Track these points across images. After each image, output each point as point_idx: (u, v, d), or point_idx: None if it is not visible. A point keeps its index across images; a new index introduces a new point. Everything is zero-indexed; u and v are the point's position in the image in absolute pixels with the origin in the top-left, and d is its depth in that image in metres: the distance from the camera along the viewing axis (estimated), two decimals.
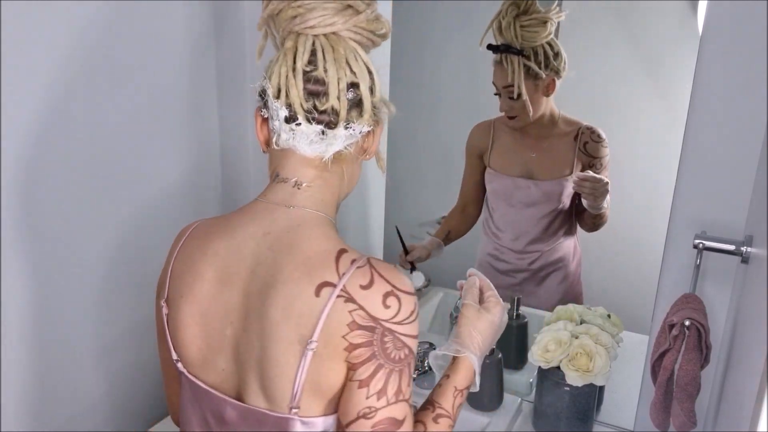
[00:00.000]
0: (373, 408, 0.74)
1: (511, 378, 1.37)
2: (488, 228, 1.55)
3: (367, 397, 0.74)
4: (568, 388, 1.19)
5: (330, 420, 0.79)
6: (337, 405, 0.78)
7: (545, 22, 1.31)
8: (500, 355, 1.29)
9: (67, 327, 1.12)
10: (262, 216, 0.82)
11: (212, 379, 0.84)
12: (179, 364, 0.86)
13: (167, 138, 1.23)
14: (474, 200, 1.55)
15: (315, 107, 0.80)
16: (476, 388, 0.89)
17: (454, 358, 0.88)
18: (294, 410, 0.77)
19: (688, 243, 1.03)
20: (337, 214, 0.89)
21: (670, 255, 1.13)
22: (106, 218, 1.14)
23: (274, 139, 0.83)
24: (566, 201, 1.44)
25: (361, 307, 0.74)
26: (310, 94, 0.80)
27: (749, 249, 0.95)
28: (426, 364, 1.38)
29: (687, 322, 0.94)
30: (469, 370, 0.88)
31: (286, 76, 0.79)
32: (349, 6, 0.80)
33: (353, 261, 0.77)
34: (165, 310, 0.87)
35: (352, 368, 0.75)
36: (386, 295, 0.75)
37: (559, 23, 1.35)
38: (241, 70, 1.29)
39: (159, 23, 1.16)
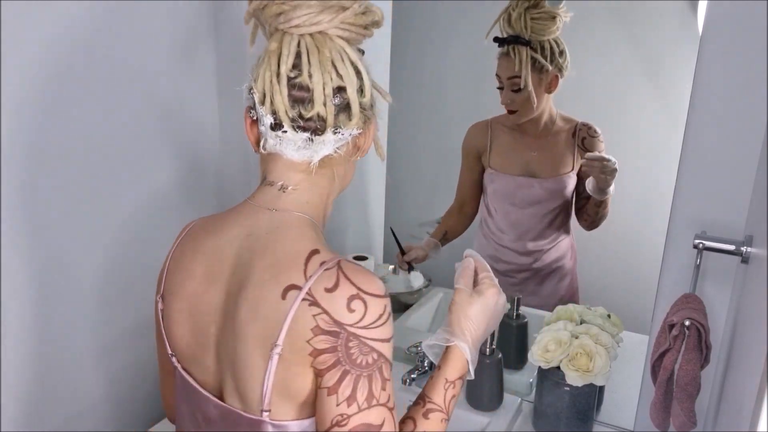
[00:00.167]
0: (345, 415, 0.72)
1: (511, 378, 1.37)
2: (487, 229, 1.55)
3: (338, 405, 0.72)
4: (568, 388, 1.19)
5: (306, 423, 0.77)
6: (312, 409, 0.77)
7: (554, 17, 1.33)
8: (500, 355, 1.29)
9: (67, 327, 1.12)
10: (246, 217, 0.82)
11: (200, 377, 0.85)
12: (174, 359, 0.87)
13: (167, 137, 1.23)
14: (471, 200, 1.56)
15: (300, 115, 0.78)
16: (471, 377, 0.86)
17: (446, 348, 0.86)
18: (265, 413, 0.76)
19: (688, 243, 1.03)
20: (328, 213, 0.87)
21: (670, 255, 1.13)
22: (105, 218, 1.14)
23: (261, 143, 0.82)
24: (568, 197, 1.44)
25: (325, 311, 0.72)
26: (295, 101, 0.78)
27: (749, 249, 0.95)
28: (426, 363, 1.38)
29: (687, 322, 0.94)
30: (459, 360, 0.85)
31: (270, 82, 0.77)
32: (335, 2, 0.77)
33: (322, 263, 0.75)
34: (160, 306, 0.88)
35: (319, 374, 0.73)
36: (351, 299, 0.73)
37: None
38: (241, 68, 1.29)
39: (158, 22, 1.16)
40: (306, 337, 0.72)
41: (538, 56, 1.35)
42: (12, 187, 0.98)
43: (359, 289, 0.74)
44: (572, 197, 1.46)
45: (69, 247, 1.09)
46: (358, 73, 0.80)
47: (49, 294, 1.07)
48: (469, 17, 1.52)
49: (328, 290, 0.73)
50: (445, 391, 0.83)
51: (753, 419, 0.61)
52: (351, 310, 0.72)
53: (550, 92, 1.40)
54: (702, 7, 1.19)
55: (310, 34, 0.78)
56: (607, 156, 1.35)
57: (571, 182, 1.43)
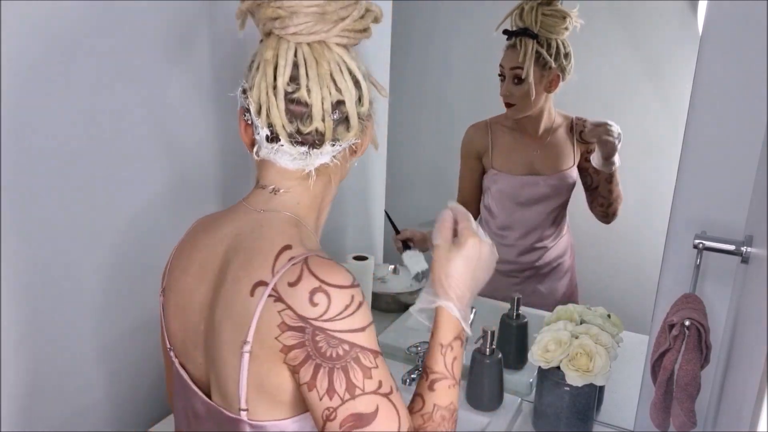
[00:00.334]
0: (331, 408, 0.71)
1: (511, 378, 1.37)
2: (488, 230, 1.55)
3: (320, 399, 0.71)
4: (568, 388, 1.19)
5: (285, 424, 0.77)
6: (295, 410, 0.76)
7: (564, 17, 1.35)
8: (500, 355, 1.29)
9: (67, 327, 1.12)
10: (238, 217, 0.82)
11: (193, 372, 0.86)
12: (171, 353, 0.88)
13: (167, 137, 1.23)
14: (473, 201, 1.56)
15: (299, 130, 0.77)
16: (469, 333, 0.82)
17: (436, 311, 0.82)
18: (242, 412, 0.76)
19: (688, 243, 1.03)
20: (324, 214, 0.87)
21: (670, 255, 1.13)
22: (106, 218, 1.14)
23: (255, 149, 0.81)
24: (570, 193, 1.46)
25: (289, 307, 0.71)
26: (293, 116, 0.76)
27: (749, 249, 0.95)
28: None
29: (687, 322, 0.94)
30: (449, 321, 0.81)
31: (267, 94, 0.76)
32: (334, 10, 0.75)
33: (291, 258, 0.73)
34: (161, 300, 0.89)
35: (294, 371, 0.72)
36: (313, 292, 0.71)
37: None
38: (240, 67, 1.29)
39: (158, 22, 1.16)
40: (274, 334, 0.71)
41: (543, 51, 1.36)
42: (12, 186, 0.98)
43: (322, 281, 0.72)
44: (570, 194, 1.47)
45: (69, 247, 1.09)
46: (356, 83, 0.79)
47: (49, 294, 1.07)
48: (470, 16, 1.53)
49: (291, 284, 0.71)
50: (443, 356, 0.80)
51: (753, 419, 0.61)
52: (314, 304, 0.70)
53: (549, 91, 1.41)
54: (702, 7, 1.19)
55: (308, 43, 0.76)
56: (608, 121, 1.37)
57: (574, 177, 1.45)
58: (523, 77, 1.38)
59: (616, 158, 1.38)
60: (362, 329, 0.72)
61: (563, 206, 1.48)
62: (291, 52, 0.75)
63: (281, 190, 0.81)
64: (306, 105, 0.76)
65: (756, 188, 0.98)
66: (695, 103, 1.04)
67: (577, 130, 1.43)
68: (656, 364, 1.01)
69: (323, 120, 0.77)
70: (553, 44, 1.37)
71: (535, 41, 1.36)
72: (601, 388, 1.31)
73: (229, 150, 1.35)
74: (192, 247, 0.86)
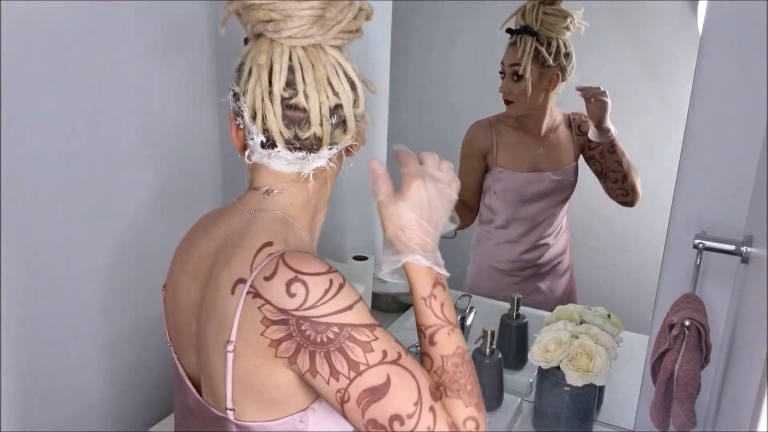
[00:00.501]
0: (342, 390, 0.69)
1: (511, 378, 1.37)
2: (491, 226, 1.55)
3: (327, 383, 0.70)
4: (568, 388, 1.19)
5: (271, 425, 0.76)
6: (283, 410, 0.76)
7: (566, 17, 1.36)
8: (500, 355, 1.29)
9: (67, 327, 1.12)
10: (232, 217, 0.82)
11: (187, 369, 0.86)
12: (171, 348, 0.88)
13: (167, 137, 1.23)
14: (474, 199, 1.56)
15: (297, 136, 0.76)
16: (446, 274, 0.79)
17: (404, 268, 0.78)
18: (229, 411, 0.76)
19: (688, 243, 1.03)
20: (320, 214, 0.86)
21: (670, 255, 1.13)
22: (106, 218, 1.14)
23: (247, 153, 0.81)
24: (572, 189, 1.47)
25: (267, 301, 0.70)
26: (291, 122, 0.75)
27: (749, 249, 0.95)
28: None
29: (687, 322, 0.94)
30: (420, 272, 0.77)
31: (262, 100, 0.75)
32: (328, 13, 0.73)
33: (269, 254, 0.72)
34: (162, 294, 0.89)
35: (291, 362, 0.71)
36: (289, 283, 0.70)
37: None
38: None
39: (156, 21, 1.16)
40: (258, 331, 0.71)
41: (543, 49, 1.37)
42: (13, 186, 0.98)
43: (297, 271, 0.70)
44: (573, 190, 1.48)
45: (69, 247, 1.09)
46: (352, 85, 0.78)
47: (49, 294, 1.07)
48: (471, 15, 1.53)
49: (267, 279, 0.71)
50: (429, 308, 0.77)
51: (753, 419, 0.61)
52: (291, 295, 0.69)
53: (549, 90, 1.42)
54: (702, 7, 1.19)
55: (303, 47, 0.75)
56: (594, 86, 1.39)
57: (576, 172, 1.46)
58: (520, 73, 1.39)
59: (611, 126, 1.39)
60: (349, 307, 0.70)
61: (565, 202, 1.49)
62: (286, 56, 0.74)
63: (275, 191, 0.80)
64: (303, 110, 0.75)
65: (756, 188, 0.98)
66: (695, 103, 1.04)
67: (575, 124, 1.45)
68: (656, 364, 1.01)
69: (321, 125, 0.76)
70: (554, 43, 1.38)
71: (534, 39, 1.37)
72: (601, 388, 1.31)
73: (229, 149, 1.35)
74: (190, 244, 0.86)
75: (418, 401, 0.70)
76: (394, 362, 0.70)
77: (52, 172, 1.04)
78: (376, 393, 0.69)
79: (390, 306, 1.66)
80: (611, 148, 1.40)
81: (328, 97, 0.76)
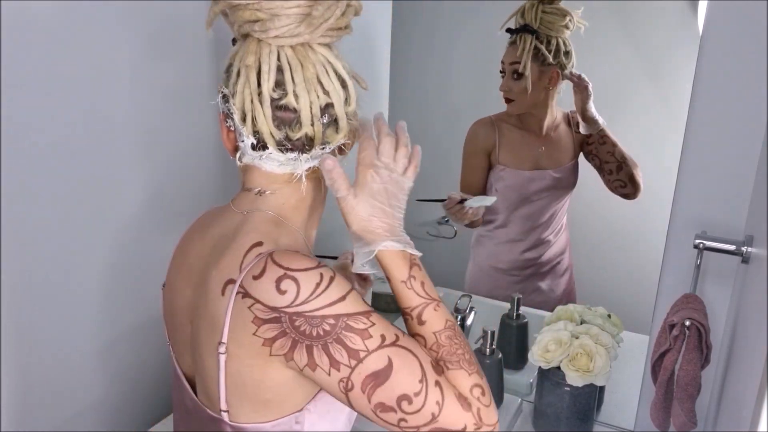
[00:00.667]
0: (344, 379, 0.69)
1: (511, 378, 1.37)
2: (491, 225, 1.55)
3: (329, 374, 0.69)
4: (568, 389, 1.19)
5: (266, 427, 0.76)
6: (277, 411, 0.75)
7: (565, 15, 1.37)
8: (500, 356, 1.29)
9: (67, 327, 1.12)
10: (224, 219, 0.82)
11: (184, 369, 0.86)
12: (170, 347, 0.88)
13: (167, 136, 1.23)
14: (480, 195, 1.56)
15: (288, 137, 0.76)
16: (419, 254, 0.78)
17: (377, 258, 0.78)
18: (223, 413, 0.76)
19: (688, 243, 1.03)
20: (317, 214, 0.86)
21: (670, 255, 1.13)
22: (106, 218, 1.14)
23: (237, 155, 0.80)
24: (573, 186, 1.48)
25: (257, 300, 0.69)
26: (281, 123, 0.75)
27: (749, 249, 0.95)
28: None
29: (687, 322, 0.94)
30: (396, 257, 0.77)
31: (252, 102, 0.74)
32: (315, 10, 0.72)
33: (258, 254, 0.72)
34: (162, 293, 0.89)
35: (287, 359, 0.70)
36: (279, 280, 0.69)
37: None
38: None
39: (154, 20, 1.16)
40: (250, 331, 0.70)
41: (542, 47, 1.38)
42: (12, 186, 0.98)
43: (286, 268, 0.70)
44: (573, 188, 1.49)
45: (69, 247, 1.09)
46: (343, 83, 0.77)
47: (49, 294, 1.07)
48: (471, 15, 1.53)
49: (255, 278, 0.70)
50: (411, 289, 0.76)
51: (753, 419, 0.61)
52: (282, 292, 0.69)
53: (549, 88, 1.42)
54: (702, 7, 1.19)
55: (291, 46, 0.74)
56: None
57: (577, 170, 1.47)
58: (520, 71, 1.39)
59: (597, 115, 1.39)
60: (342, 298, 0.70)
61: (566, 200, 1.50)
62: (274, 56, 0.73)
63: (267, 192, 0.80)
64: (294, 111, 0.75)
65: (756, 188, 0.98)
66: (695, 103, 1.04)
67: (574, 122, 1.46)
68: (657, 364, 1.01)
69: (312, 125, 0.75)
70: (553, 42, 1.38)
71: (534, 37, 1.38)
72: (602, 389, 1.31)
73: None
74: (187, 244, 0.86)
75: (423, 378, 0.70)
76: (393, 344, 0.70)
77: (50, 172, 1.04)
78: (380, 377, 0.69)
79: (390, 306, 1.65)
80: (601, 139, 1.41)
81: (318, 97, 0.75)
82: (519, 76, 1.41)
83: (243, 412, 0.76)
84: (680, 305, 0.99)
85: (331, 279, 0.71)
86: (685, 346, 0.95)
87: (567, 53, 1.40)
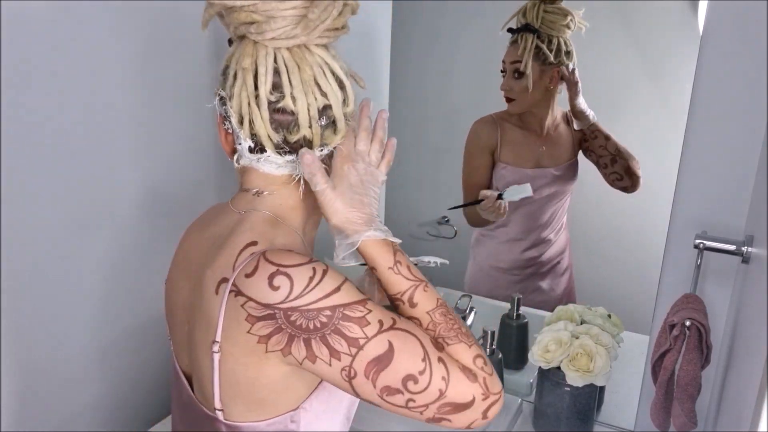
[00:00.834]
0: (346, 367, 0.69)
1: (511, 378, 1.37)
2: (492, 224, 1.55)
3: (330, 365, 0.69)
4: (568, 389, 1.19)
5: (260, 426, 0.76)
6: (272, 410, 0.75)
7: (566, 15, 1.38)
8: (500, 356, 1.29)
9: (67, 327, 1.12)
10: (223, 218, 0.82)
11: (183, 366, 0.86)
12: (171, 343, 0.88)
13: (167, 136, 1.23)
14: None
15: (285, 140, 0.75)
16: (398, 240, 0.78)
17: (360, 249, 0.77)
18: (217, 411, 0.76)
19: (688, 243, 1.03)
20: (314, 213, 0.85)
21: (670, 255, 1.13)
22: (106, 218, 1.14)
23: (236, 157, 0.80)
24: (573, 185, 1.48)
25: (250, 298, 0.69)
26: (279, 126, 0.75)
27: (750, 249, 0.95)
28: None
29: (688, 322, 0.94)
30: (379, 246, 0.76)
31: (249, 105, 0.74)
32: (311, 12, 0.72)
33: (252, 253, 0.72)
34: (164, 289, 0.89)
35: (284, 354, 0.70)
36: (272, 276, 0.69)
37: None
38: None
39: (153, 20, 1.16)
40: (244, 329, 0.70)
41: (543, 47, 1.39)
42: (12, 185, 0.98)
43: (278, 265, 0.70)
44: (573, 187, 1.49)
45: (68, 247, 1.09)
46: (341, 84, 0.77)
47: (49, 294, 1.07)
48: (471, 15, 1.53)
49: (248, 276, 0.70)
50: (398, 274, 0.76)
51: (753, 419, 0.61)
52: (275, 288, 0.68)
53: (550, 88, 1.42)
54: (702, 7, 1.19)
55: (288, 48, 0.73)
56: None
57: (577, 168, 1.47)
58: (521, 70, 1.40)
59: (586, 108, 1.40)
60: (336, 289, 0.70)
61: (566, 198, 1.50)
62: (270, 59, 0.73)
63: (265, 192, 0.80)
64: (292, 113, 0.74)
65: (756, 188, 0.98)
66: (695, 103, 1.04)
67: (572, 120, 1.46)
68: (657, 365, 1.01)
69: (311, 127, 0.75)
70: (554, 41, 1.39)
71: (535, 36, 1.38)
72: (602, 389, 1.31)
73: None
74: (188, 241, 0.86)
75: (425, 356, 0.70)
76: (392, 328, 0.70)
77: (50, 172, 1.04)
78: (382, 361, 0.69)
79: (390, 306, 1.65)
80: (593, 134, 1.41)
81: (316, 99, 0.75)
82: (520, 75, 1.42)
83: (238, 411, 0.76)
84: (680, 305, 0.99)
85: (324, 272, 0.71)
86: (685, 346, 0.95)
87: (568, 53, 1.40)
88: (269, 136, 0.75)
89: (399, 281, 0.76)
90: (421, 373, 0.69)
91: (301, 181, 0.79)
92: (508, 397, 1.33)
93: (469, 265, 1.60)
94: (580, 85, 1.40)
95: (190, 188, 1.31)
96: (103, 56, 1.08)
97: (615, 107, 1.40)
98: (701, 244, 1.00)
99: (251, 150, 0.77)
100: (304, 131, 0.75)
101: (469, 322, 1.39)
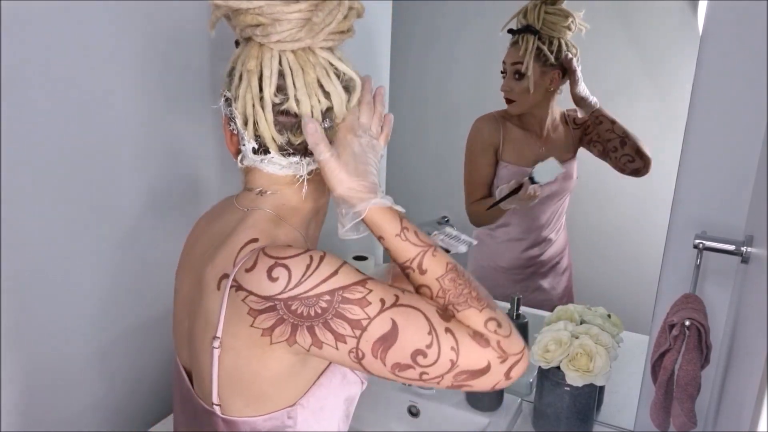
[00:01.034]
0: (353, 349, 0.69)
1: None
2: (491, 226, 1.55)
3: (336, 348, 0.69)
4: (568, 388, 1.19)
5: (257, 422, 0.76)
6: (270, 405, 0.76)
7: (567, 17, 1.38)
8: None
9: (67, 327, 1.12)
10: (227, 215, 0.82)
11: (182, 362, 0.86)
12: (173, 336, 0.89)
13: (168, 136, 1.23)
14: (487, 196, 1.56)
15: (289, 141, 0.76)
16: (402, 209, 0.77)
17: (365, 219, 0.76)
18: (215, 406, 0.77)
19: (688, 243, 1.03)
20: (321, 214, 0.86)
21: (670, 255, 1.13)
22: (106, 218, 1.14)
23: (239, 158, 0.81)
24: (573, 184, 1.48)
25: (250, 292, 0.70)
26: (283, 128, 0.76)
27: (749, 249, 0.95)
28: None
29: (687, 322, 0.94)
30: (385, 213, 0.75)
31: (253, 106, 0.75)
32: (316, 16, 0.73)
33: (253, 250, 0.73)
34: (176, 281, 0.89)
35: (290, 344, 0.70)
36: (270, 269, 0.69)
37: None
38: None
39: (154, 21, 1.16)
40: (247, 323, 0.70)
41: (545, 48, 1.39)
42: (12, 185, 0.98)
43: (276, 257, 0.70)
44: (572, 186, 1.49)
45: (69, 248, 1.09)
46: (347, 86, 0.78)
47: (49, 294, 1.07)
48: (471, 15, 1.53)
49: (248, 270, 0.71)
50: (407, 240, 0.75)
51: (753, 419, 0.61)
52: (274, 279, 0.69)
53: (550, 89, 1.42)
54: (702, 7, 1.19)
55: (292, 51, 0.74)
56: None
57: (576, 168, 1.47)
58: (522, 71, 1.40)
59: (588, 94, 1.40)
60: (334, 273, 0.70)
61: (566, 198, 1.50)
62: (275, 61, 0.74)
63: (268, 192, 0.80)
64: (295, 116, 0.75)
65: (756, 188, 0.98)
66: (695, 103, 1.04)
67: (570, 119, 1.46)
68: (656, 364, 1.01)
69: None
70: (555, 43, 1.39)
71: (536, 37, 1.38)
72: (602, 388, 1.31)
73: (227, 150, 1.35)
74: (195, 234, 0.87)
75: (431, 329, 0.69)
76: (394, 305, 0.69)
77: (50, 172, 1.04)
78: (388, 340, 0.68)
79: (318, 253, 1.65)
80: (597, 119, 1.40)
81: (319, 101, 0.75)
82: (520, 76, 1.42)
83: (236, 407, 0.76)
84: (680, 305, 0.99)
85: (321, 258, 0.71)
86: (684, 346, 0.95)
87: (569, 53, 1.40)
88: (273, 138, 0.76)
89: (406, 248, 0.75)
90: (429, 346, 0.68)
91: (304, 183, 0.80)
92: (508, 396, 1.33)
93: (469, 265, 1.60)
94: (579, 73, 1.40)
95: (191, 188, 1.31)
96: (103, 56, 1.08)
97: (615, 108, 1.40)
98: (701, 244, 1.00)
99: (255, 151, 0.78)
100: None
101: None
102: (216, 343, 0.73)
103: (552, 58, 1.39)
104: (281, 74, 0.74)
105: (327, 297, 0.68)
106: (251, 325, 0.70)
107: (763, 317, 0.67)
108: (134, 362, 1.26)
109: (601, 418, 1.31)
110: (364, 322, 0.68)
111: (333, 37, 0.75)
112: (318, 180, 0.82)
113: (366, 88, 0.82)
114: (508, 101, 1.46)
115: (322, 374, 0.79)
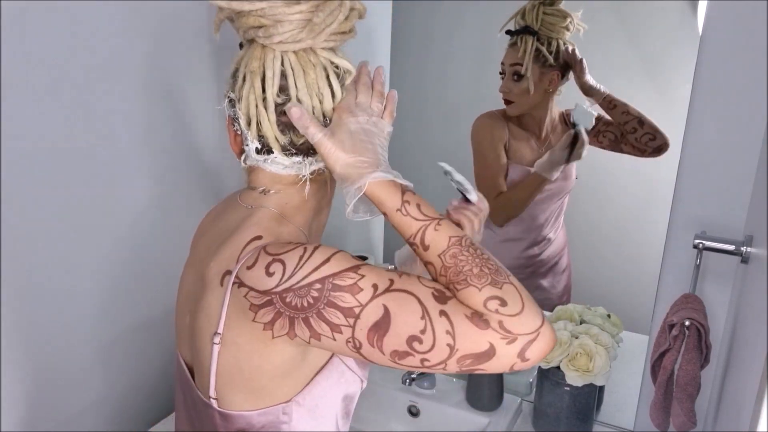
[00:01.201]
0: (349, 339, 0.68)
1: (511, 378, 1.37)
2: (491, 226, 1.55)
3: (334, 339, 0.68)
4: (568, 388, 1.19)
5: (252, 415, 0.76)
6: (267, 399, 0.76)
7: (566, 17, 1.37)
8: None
9: (67, 327, 1.12)
10: (231, 212, 0.83)
11: (182, 355, 0.87)
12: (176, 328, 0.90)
13: (168, 137, 1.23)
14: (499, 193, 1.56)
15: (292, 142, 0.77)
16: (410, 184, 0.76)
17: (366, 195, 0.75)
18: (212, 399, 0.77)
19: (688, 243, 1.03)
20: (324, 214, 0.86)
21: (670, 255, 1.13)
22: (106, 218, 1.14)
23: (243, 158, 0.81)
24: (572, 183, 1.48)
25: (250, 288, 0.70)
26: (286, 128, 0.76)
27: (749, 249, 0.95)
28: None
29: (687, 322, 0.94)
30: (385, 187, 0.73)
31: (256, 107, 0.75)
32: (317, 17, 0.73)
33: (256, 247, 0.73)
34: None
35: (291, 337, 0.70)
36: (268, 265, 0.70)
37: None
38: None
39: (156, 20, 1.16)
40: (249, 318, 0.71)
41: (543, 49, 1.38)
42: (13, 184, 0.98)
43: (274, 254, 0.71)
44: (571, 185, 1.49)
45: (69, 247, 1.09)
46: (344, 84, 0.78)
47: (49, 294, 1.07)
48: (471, 15, 1.53)
49: (249, 267, 0.71)
50: (408, 215, 0.72)
51: (753, 419, 0.61)
52: (270, 274, 0.69)
53: (548, 90, 1.42)
54: (702, 7, 1.19)
55: (294, 51, 0.75)
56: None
57: (575, 167, 1.47)
58: (522, 73, 1.40)
59: (595, 83, 1.39)
60: (326, 260, 0.68)
61: (565, 197, 1.50)
62: (278, 62, 0.74)
63: (271, 191, 0.81)
64: None
65: (756, 188, 0.98)
66: (695, 103, 1.05)
67: (569, 119, 1.46)
68: (656, 364, 1.01)
69: None
70: (554, 44, 1.39)
71: (534, 38, 1.38)
72: (601, 388, 1.31)
73: (229, 150, 1.35)
74: (200, 229, 0.88)
75: (424, 314, 0.66)
76: (388, 290, 0.67)
77: (51, 172, 1.03)
78: (381, 327, 0.66)
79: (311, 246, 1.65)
80: (610, 104, 1.38)
81: (321, 101, 0.76)
82: (519, 77, 1.42)
83: (235, 401, 0.77)
84: (680, 305, 0.99)
85: (315, 248, 0.70)
86: (684, 346, 0.95)
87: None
88: (276, 138, 0.77)
89: (408, 223, 0.72)
90: (423, 331, 0.65)
91: (307, 182, 0.80)
92: (508, 396, 1.33)
93: None
94: (585, 62, 1.38)
95: (192, 188, 1.31)
96: (104, 56, 1.08)
97: None
98: (700, 244, 1.01)
99: (258, 151, 0.78)
100: None
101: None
102: (216, 339, 0.74)
103: (551, 59, 1.39)
104: (283, 75, 0.75)
105: (318, 285, 0.67)
106: (253, 320, 0.71)
107: (763, 317, 0.67)
108: (135, 362, 1.26)
109: (601, 417, 1.31)
110: (357, 310, 0.66)
111: (334, 37, 0.76)
112: (321, 180, 0.82)
113: (363, 71, 0.82)
114: (507, 102, 1.46)
115: (319, 372, 0.79)
